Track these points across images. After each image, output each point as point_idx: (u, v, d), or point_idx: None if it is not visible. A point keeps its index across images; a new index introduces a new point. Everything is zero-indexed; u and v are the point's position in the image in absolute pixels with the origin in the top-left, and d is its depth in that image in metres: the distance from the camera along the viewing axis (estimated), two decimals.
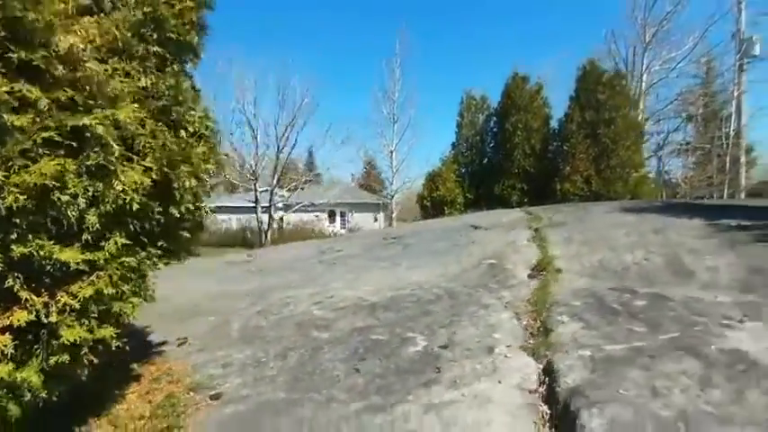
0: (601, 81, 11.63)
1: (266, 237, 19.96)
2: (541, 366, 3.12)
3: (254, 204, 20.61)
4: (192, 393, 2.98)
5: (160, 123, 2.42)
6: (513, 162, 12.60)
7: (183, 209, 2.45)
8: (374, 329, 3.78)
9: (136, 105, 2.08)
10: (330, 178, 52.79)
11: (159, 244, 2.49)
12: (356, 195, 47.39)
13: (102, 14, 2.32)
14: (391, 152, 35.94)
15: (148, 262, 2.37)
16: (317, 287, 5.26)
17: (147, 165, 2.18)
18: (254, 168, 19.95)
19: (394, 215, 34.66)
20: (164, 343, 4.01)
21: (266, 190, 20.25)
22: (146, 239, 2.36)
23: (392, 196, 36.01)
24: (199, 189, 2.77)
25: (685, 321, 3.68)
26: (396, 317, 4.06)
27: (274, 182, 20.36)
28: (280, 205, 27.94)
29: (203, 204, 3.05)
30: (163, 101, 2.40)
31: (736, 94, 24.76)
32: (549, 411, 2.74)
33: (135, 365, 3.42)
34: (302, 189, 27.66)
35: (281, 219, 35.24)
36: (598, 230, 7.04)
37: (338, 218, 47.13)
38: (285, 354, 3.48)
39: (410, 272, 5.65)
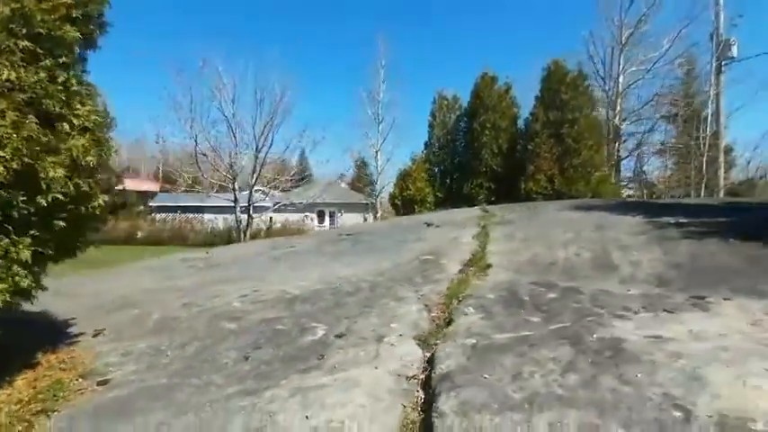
0: (564, 81, 11.78)
1: (245, 236, 19.97)
2: (428, 354, 3.22)
3: (233, 203, 20.60)
4: (81, 380, 3.06)
5: (30, 116, 2.49)
6: (481, 161, 12.73)
7: (50, 198, 2.52)
8: (282, 320, 3.87)
9: None
10: (318, 179, 52.74)
11: (31, 233, 2.57)
12: (346, 196, 47.67)
13: None
14: (376, 152, 36.16)
15: (13, 249, 2.44)
16: (252, 281, 5.34)
17: (1, 154, 2.26)
18: (232, 167, 19.96)
19: (379, 214, 34.79)
20: (81, 334, 4.07)
21: (250, 190, 20.27)
22: (10, 227, 2.43)
23: (377, 195, 36.16)
24: (81, 180, 2.84)
25: (583, 313, 3.80)
26: (310, 308, 4.16)
27: (252, 181, 20.38)
28: (269, 205, 27.97)
29: (98, 196, 3.12)
30: (29, 93, 2.47)
31: (713, 94, 25.10)
32: (423, 396, 2.84)
33: (39, 354, 3.48)
34: (287, 190, 27.74)
35: (270, 219, 35.22)
36: (542, 228, 7.17)
37: (327, 218, 47.38)
38: (187, 343, 3.56)
39: (346, 267, 5.74)
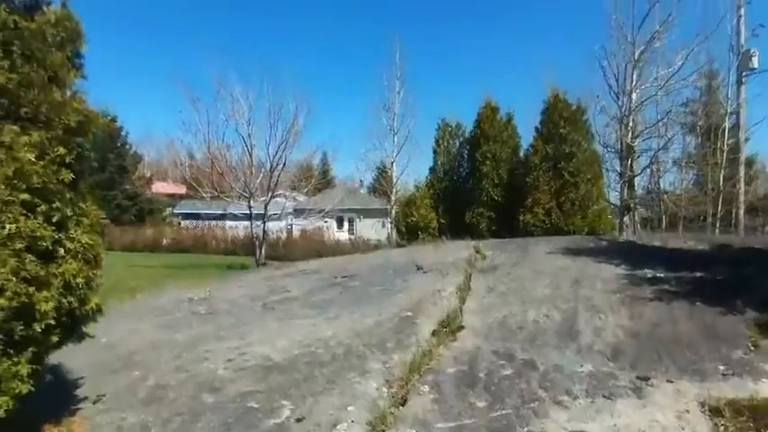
0: (563, 115, 11.97)
1: (260, 252, 20.66)
2: None
3: (249, 220, 21.36)
4: None
5: (28, 256, 3.01)
6: (483, 191, 13.02)
7: (44, 325, 3.04)
8: (255, 395, 4.33)
9: None
10: (339, 182, 53.37)
11: (30, 349, 3.09)
12: (365, 201, 48.15)
13: None
14: (392, 163, 36.60)
15: (14, 369, 2.96)
16: (240, 340, 5.83)
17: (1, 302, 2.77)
18: (248, 186, 20.65)
19: (393, 224, 35.24)
20: (84, 399, 4.61)
21: (264, 209, 20.89)
22: (11, 350, 2.95)
23: (392, 206, 36.59)
24: (73, 298, 3.34)
25: (527, 397, 4.14)
26: (284, 381, 4.61)
27: (268, 198, 21.06)
28: (290, 210, 28.64)
29: (91, 300, 3.62)
30: (27, 241, 2.99)
31: (733, 106, 24.55)
32: None
33: (47, 425, 4.02)
34: (310, 195, 28.61)
35: (291, 226, 35.97)
36: (523, 279, 7.47)
37: (346, 224, 48.13)
38: (170, 419, 4.05)
39: (329, 323, 6.18)
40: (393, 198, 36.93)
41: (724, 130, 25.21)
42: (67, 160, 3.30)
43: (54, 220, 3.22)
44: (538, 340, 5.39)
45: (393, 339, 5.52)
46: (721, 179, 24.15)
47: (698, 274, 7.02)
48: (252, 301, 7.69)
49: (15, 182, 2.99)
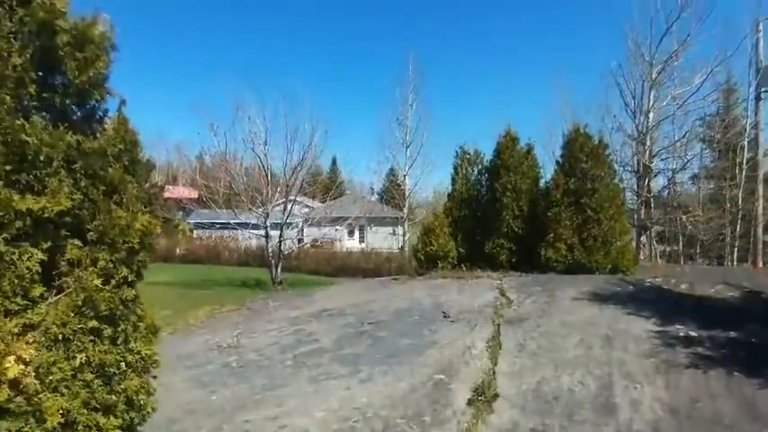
0: (584, 150, 11.95)
1: (276, 271, 20.75)
2: None
3: (265, 238, 21.48)
4: None
5: (96, 378, 3.08)
6: (503, 222, 13.00)
7: None
8: None
9: None
10: (350, 187, 53.19)
11: None
12: (375, 209, 48.37)
13: None
14: (404, 176, 36.73)
15: None
16: (277, 407, 5.86)
17: None
18: (264, 205, 20.76)
19: (407, 237, 35.37)
20: None
21: (280, 231, 20.95)
22: None
23: (404, 219, 36.72)
24: (135, 414, 3.42)
25: None
26: None
27: (285, 218, 21.20)
28: (303, 219, 28.90)
29: (149, 403, 3.70)
30: (97, 373, 3.06)
31: (752, 123, 24.38)
32: None
33: None
34: (323, 202, 28.91)
35: (302, 238, 36.18)
36: (552, 335, 7.45)
37: (357, 232, 48.29)
38: None
39: (363, 386, 6.21)
40: (405, 211, 37.10)
41: (742, 147, 25.09)
42: (130, 279, 3.39)
43: (119, 341, 3.30)
44: (575, 415, 5.37)
45: (429, 410, 5.54)
46: (740, 196, 23.99)
47: (731, 334, 6.97)
48: (282, 353, 7.75)
49: (84, 310, 3.07)
